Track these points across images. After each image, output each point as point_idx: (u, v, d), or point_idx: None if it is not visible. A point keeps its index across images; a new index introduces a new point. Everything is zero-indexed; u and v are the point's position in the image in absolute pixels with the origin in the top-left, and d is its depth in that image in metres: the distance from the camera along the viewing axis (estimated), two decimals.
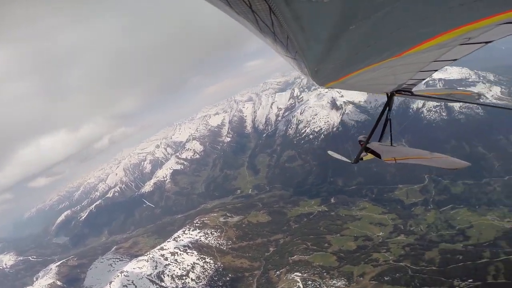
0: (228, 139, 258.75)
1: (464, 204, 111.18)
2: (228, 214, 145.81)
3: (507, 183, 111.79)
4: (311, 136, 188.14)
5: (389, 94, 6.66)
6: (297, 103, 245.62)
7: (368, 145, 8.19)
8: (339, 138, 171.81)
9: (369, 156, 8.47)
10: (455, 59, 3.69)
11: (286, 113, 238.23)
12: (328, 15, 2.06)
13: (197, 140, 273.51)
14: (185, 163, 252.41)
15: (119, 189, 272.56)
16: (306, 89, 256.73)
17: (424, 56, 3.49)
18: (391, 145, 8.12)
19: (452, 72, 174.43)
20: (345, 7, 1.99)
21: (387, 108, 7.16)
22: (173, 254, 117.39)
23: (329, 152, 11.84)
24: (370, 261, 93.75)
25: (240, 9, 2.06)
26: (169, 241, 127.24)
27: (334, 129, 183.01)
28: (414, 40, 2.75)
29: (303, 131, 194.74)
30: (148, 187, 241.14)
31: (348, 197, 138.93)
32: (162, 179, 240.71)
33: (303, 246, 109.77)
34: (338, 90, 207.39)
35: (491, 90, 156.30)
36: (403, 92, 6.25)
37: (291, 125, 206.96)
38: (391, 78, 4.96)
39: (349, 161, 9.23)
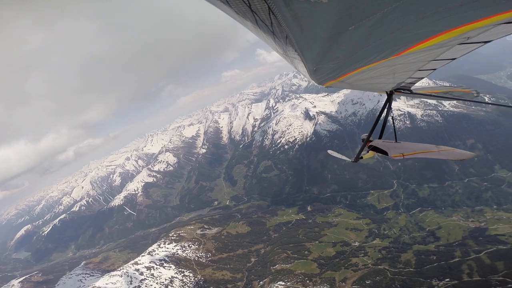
0: (204, 150, 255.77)
1: (431, 206, 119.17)
2: (205, 226, 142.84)
3: (467, 185, 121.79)
4: (286, 146, 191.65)
5: (388, 93, 6.73)
6: (272, 113, 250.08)
7: (372, 143, 8.11)
8: (312, 148, 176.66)
9: (370, 154, 8.47)
10: (454, 58, 3.77)
11: (262, 124, 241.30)
12: (327, 16, 2.03)
13: (171, 152, 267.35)
14: (157, 175, 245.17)
15: (86, 203, 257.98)
16: (280, 100, 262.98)
17: (423, 55, 3.55)
18: (396, 141, 8.10)
19: None
20: (344, 8, 1.96)
21: (387, 106, 7.17)
22: (148, 268, 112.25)
23: (329, 152, 11.83)
24: (350, 266, 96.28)
25: (239, 8, 2.04)
26: (144, 255, 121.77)
27: (308, 139, 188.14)
28: (413, 39, 2.78)
29: (278, 141, 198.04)
30: (118, 200, 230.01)
31: (324, 205, 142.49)
32: (133, 192, 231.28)
33: (284, 255, 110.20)
34: (310, 100, 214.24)
35: None
36: (402, 91, 6.35)
37: (267, 136, 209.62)
38: (390, 77, 5.01)
39: (349, 159, 9.20)
